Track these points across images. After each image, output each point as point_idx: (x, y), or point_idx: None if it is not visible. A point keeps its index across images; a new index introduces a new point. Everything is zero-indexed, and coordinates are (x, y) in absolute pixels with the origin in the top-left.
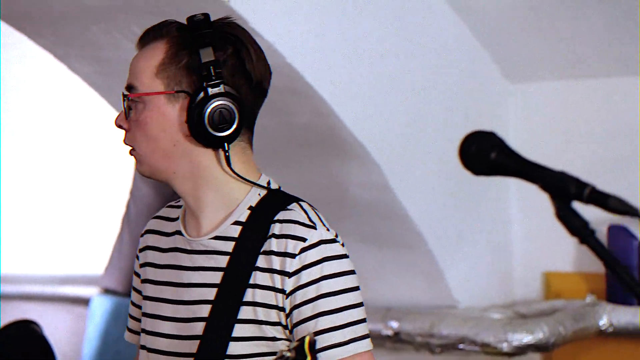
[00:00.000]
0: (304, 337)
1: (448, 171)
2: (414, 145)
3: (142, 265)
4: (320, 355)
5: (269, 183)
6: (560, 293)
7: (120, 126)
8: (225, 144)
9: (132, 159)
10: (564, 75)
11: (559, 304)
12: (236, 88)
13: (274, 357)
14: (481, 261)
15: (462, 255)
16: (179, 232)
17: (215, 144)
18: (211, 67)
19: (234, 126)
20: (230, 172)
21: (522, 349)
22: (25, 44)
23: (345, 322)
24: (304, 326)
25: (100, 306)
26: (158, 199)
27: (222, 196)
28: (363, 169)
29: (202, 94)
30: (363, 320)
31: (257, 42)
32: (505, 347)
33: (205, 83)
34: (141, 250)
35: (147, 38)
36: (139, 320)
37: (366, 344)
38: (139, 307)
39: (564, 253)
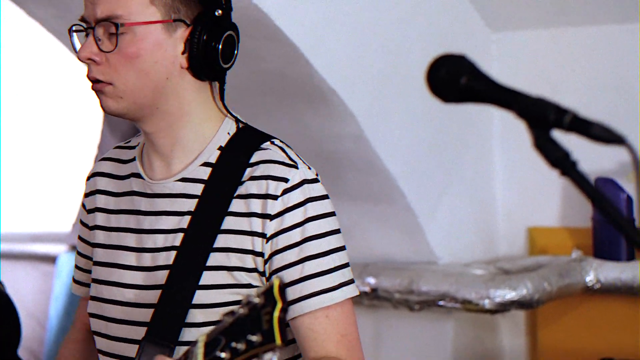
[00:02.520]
0: (272, 281)
1: (428, 122)
2: (391, 94)
3: (89, 212)
4: (308, 302)
5: (237, 119)
6: (546, 249)
7: (91, 60)
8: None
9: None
10: (548, 24)
11: (544, 259)
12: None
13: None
14: (463, 216)
15: (443, 209)
16: (135, 175)
17: (218, 76)
18: None
19: (235, 57)
20: (214, 107)
21: (505, 306)
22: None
23: (334, 266)
24: (289, 271)
25: (68, 264)
26: None
27: (196, 134)
28: (337, 119)
29: (209, 23)
30: (348, 264)
31: None
32: (487, 303)
33: (216, 11)
34: (88, 195)
35: None
36: (86, 272)
37: (354, 289)
38: (87, 257)
39: (549, 207)
